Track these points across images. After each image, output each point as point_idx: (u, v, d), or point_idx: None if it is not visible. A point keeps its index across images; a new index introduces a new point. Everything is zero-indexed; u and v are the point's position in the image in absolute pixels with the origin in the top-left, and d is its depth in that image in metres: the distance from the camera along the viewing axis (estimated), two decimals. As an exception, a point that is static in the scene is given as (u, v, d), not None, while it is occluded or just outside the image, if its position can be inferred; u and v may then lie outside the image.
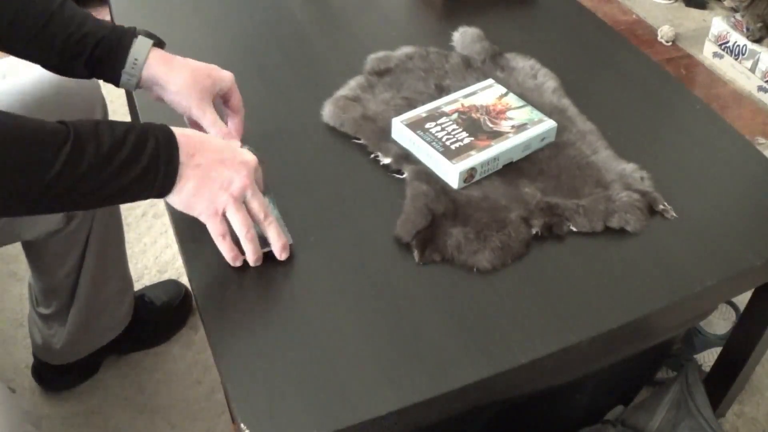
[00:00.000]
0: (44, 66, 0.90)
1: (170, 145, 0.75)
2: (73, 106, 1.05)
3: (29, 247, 1.15)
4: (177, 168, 0.75)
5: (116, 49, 0.87)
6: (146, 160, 0.72)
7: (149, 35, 0.89)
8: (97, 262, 1.17)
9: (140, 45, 0.88)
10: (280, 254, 0.83)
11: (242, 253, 0.82)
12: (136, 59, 0.87)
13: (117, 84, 0.90)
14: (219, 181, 0.77)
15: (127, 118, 1.86)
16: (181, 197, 0.77)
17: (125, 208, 1.59)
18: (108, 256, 1.20)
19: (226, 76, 0.92)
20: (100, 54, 0.87)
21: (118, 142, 0.71)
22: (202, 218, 0.79)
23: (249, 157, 0.81)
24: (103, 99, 1.12)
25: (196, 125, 0.91)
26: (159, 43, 0.90)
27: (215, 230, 0.79)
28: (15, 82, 1.00)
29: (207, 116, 0.89)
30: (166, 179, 0.75)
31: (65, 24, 0.86)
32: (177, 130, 0.76)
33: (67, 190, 0.69)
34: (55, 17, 0.86)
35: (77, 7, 0.89)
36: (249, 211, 0.80)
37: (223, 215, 0.78)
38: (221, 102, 0.95)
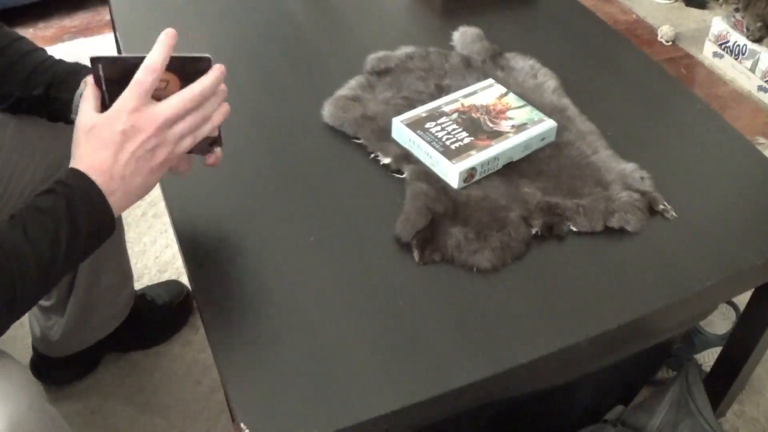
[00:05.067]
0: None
1: (99, 204, 0.73)
2: None
3: None
4: (111, 215, 0.74)
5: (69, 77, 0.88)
6: (85, 232, 0.72)
7: None
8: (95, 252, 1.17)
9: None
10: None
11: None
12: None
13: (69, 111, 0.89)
14: (143, 171, 0.74)
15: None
16: (130, 202, 0.76)
17: (125, 208, 1.59)
18: (105, 247, 1.20)
19: None
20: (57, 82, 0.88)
21: (54, 240, 0.70)
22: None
23: (143, 120, 0.73)
24: None
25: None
26: None
27: (189, 146, 0.76)
28: None
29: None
30: (106, 229, 0.74)
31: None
32: (84, 169, 0.73)
33: (28, 301, 0.71)
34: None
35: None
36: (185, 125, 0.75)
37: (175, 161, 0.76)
38: None
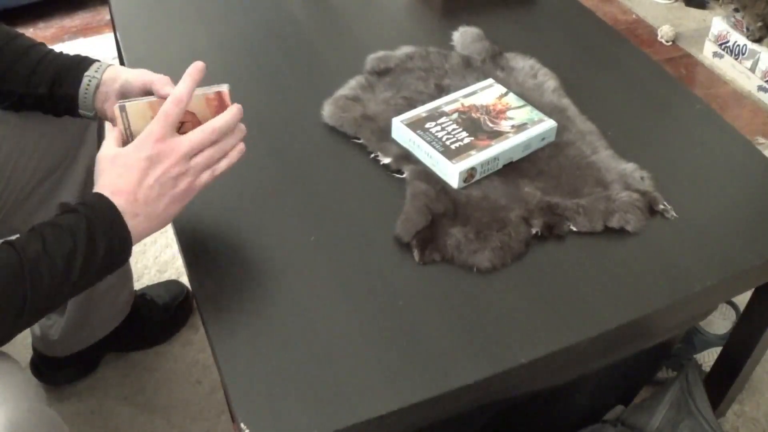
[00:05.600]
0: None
1: (118, 226, 0.73)
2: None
3: None
4: (129, 239, 0.75)
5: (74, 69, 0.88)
6: (102, 252, 0.72)
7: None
8: None
9: (96, 66, 0.89)
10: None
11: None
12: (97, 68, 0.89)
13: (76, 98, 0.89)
14: (166, 198, 0.76)
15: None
16: (151, 229, 0.77)
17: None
18: None
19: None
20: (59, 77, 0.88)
21: (71, 256, 0.70)
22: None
23: (172, 146, 0.77)
24: None
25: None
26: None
27: (208, 182, 0.79)
28: None
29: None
30: (123, 252, 0.75)
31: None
32: (108, 193, 0.74)
33: (37, 313, 0.71)
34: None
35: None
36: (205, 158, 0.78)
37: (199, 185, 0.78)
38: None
